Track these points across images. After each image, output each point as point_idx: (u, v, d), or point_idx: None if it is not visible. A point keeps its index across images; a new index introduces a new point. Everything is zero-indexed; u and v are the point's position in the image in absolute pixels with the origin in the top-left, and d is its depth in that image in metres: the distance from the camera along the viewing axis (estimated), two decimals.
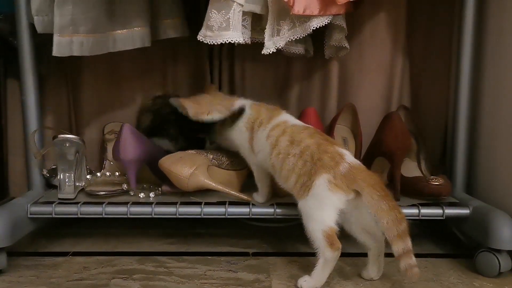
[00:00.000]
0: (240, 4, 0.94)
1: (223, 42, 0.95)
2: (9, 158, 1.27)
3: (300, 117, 1.06)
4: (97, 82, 1.27)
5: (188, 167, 0.96)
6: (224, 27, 0.94)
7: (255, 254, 1.02)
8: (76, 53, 1.00)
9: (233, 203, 0.98)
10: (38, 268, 0.95)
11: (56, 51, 0.99)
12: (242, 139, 0.97)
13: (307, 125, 0.93)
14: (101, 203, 0.97)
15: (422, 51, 1.26)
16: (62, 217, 1.00)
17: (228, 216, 0.97)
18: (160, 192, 1.05)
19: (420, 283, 0.88)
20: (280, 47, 1.01)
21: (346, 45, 1.12)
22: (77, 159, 1.02)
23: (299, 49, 1.15)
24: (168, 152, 1.06)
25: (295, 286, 0.86)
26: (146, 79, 1.29)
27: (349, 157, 0.85)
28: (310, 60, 1.25)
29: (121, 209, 0.97)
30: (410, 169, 1.10)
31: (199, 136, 1.13)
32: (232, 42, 0.95)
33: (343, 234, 0.84)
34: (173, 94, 1.17)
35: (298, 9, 0.96)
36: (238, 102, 0.98)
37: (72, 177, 1.02)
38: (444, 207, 0.97)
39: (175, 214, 0.97)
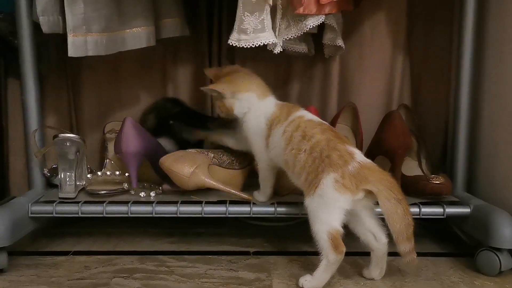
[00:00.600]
0: (269, 5, 0.93)
1: (256, 45, 0.93)
2: (10, 157, 1.27)
3: None
4: (97, 81, 1.28)
5: (188, 166, 0.96)
6: (260, 29, 0.93)
7: (256, 253, 1.02)
8: (91, 53, 1.00)
9: (234, 202, 0.98)
10: (39, 267, 0.94)
11: (72, 52, 0.98)
12: (259, 135, 0.93)
13: (323, 121, 0.90)
14: (101, 202, 0.97)
15: (422, 50, 1.27)
16: (62, 216, 1.01)
17: (229, 215, 0.97)
18: (160, 191, 1.05)
19: (420, 282, 0.88)
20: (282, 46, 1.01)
21: (340, 44, 1.12)
22: (77, 158, 1.02)
23: (303, 48, 1.15)
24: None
25: (295, 285, 0.85)
26: (146, 79, 1.29)
27: (359, 156, 0.83)
28: (311, 59, 1.25)
29: (122, 208, 0.97)
30: (411, 168, 1.10)
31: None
32: (266, 44, 0.94)
33: (346, 232, 0.83)
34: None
35: (301, 8, 0.96)
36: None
37: (73, 176, 1.01)
38: (444, 206, 0.97)
39: (176, 213, 0.97)
